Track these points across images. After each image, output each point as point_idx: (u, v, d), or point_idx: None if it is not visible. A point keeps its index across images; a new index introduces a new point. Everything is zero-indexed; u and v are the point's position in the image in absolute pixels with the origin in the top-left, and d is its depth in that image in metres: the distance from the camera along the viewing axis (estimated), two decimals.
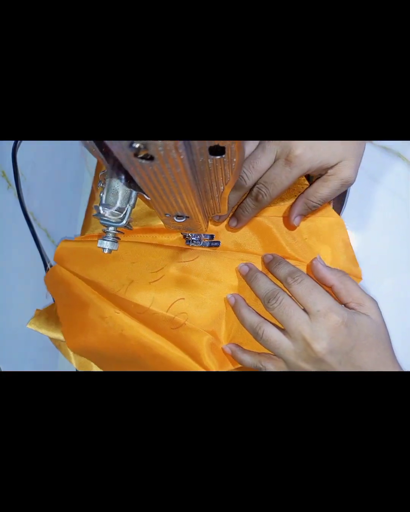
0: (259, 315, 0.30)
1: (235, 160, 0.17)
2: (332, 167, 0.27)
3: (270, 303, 0.29)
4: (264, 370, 0.29)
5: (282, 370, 0.29)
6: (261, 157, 0.27)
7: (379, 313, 0.29)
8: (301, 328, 0.27)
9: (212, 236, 0.34)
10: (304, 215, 0.31)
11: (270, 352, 0.30)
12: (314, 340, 0.26)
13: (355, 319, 0.27)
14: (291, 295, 0.29)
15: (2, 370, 0.43)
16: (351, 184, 0.28)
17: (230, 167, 0.18)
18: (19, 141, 0.44)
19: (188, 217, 0.23)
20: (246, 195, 0.31)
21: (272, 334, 0.28)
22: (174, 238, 0.35)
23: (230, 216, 0.33)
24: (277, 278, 0.30)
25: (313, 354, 0.27)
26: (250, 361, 0.30)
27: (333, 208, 0.34)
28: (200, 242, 0.34)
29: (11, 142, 0.44)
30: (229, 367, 0.32)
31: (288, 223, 0.32)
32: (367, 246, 0.37)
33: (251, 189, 0.29)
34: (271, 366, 0.29)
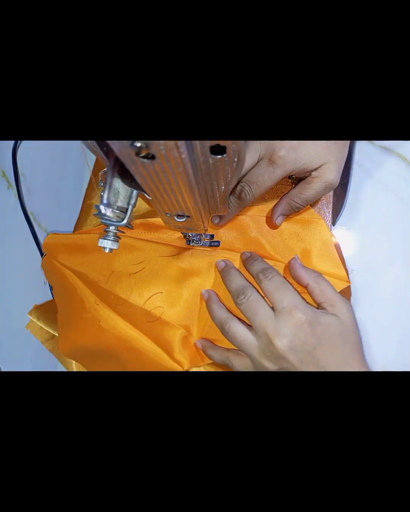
0: (229, 311, 0.31)
1: (236, 159, 0.17)
2: (315, 169, 0.27)
3: (239, 299, 0.29)
4: (231, 366, 0.30)
5: (247, 366, 0.29)
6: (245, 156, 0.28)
7: (350, 314, 0.28)
8: (265, 324, 0.27)
9: (212, 236, 0.34)
10: (287, 215, 0.32)
11: (237, 349, 0.30)
12: (276, 336, 0.26)
13: (321, 319, 0.27)
14: (261, 292, 0.29)
15: (2, 370, 0.43)
16: (334, 186, 0.29)
17: (231, 167, 0.18)
18: (19, 141, 0.44)
19: (189, 216, 0.23)
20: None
21: (238, 330, 0.29)
22: (168, 235, 0.35)
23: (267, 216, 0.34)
24: (251, 275, 0.31)
25: (274, 351, 0.26)
26: (218, 357, 0.30)
27: (333, 208, 0.34)
28: (200, 241, 0.34)
29: (11, 142, 0.44)
30: (199, 362, 0.32)
31: (271, 223, 0.33)
32: (367, 246, 0.37)
33: (235, 187, 0.30)
34: (237, 362, 0.29)
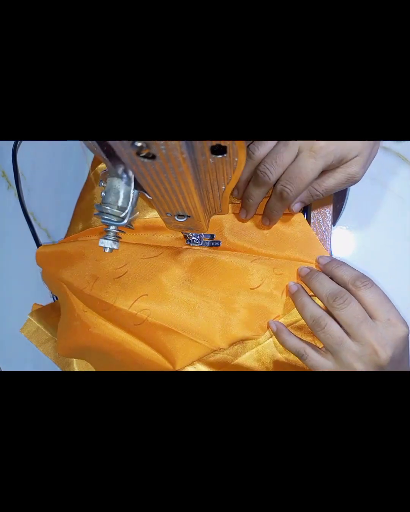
0: (322, 308, 0.30)
1: (236, 159, 0.17)
2: (349, 160, 0.27)
3: (336, 303, 0.28)
4: (304, 358, 0.29)
5: (322, 362, 0.29)
6: (284, 152, 0.27)
7: None
8: (370, 334, 0.27)
9: (212, 236, 0.34)
10: (305, 203, 0.31)
11: (314, 343, 0.30)
12: (382, 347, 0.27)
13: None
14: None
15: (2, 370, 0.43)
16: (357, 181, 0.28)
17: (231, 167, 0.18)
18: (19, 141, 0.44)
19: (189, 216, 0.23)
20: (270, 192, 0.31)
21: (336, 330, 0.28)
22: (149, 235, 0.36)
23: (256, 213, 0.33)
24: (339, 280, 0.30)
25: (376, 359, 0.27)
26: (293, 344, 0.30)
27: (333, 208, 0.34)
28: (200, 241, 0.34)
29: (11, 142, 0.44)
30: (194, 362, 0.32)
31: (261, 223, 0.33)
32: (367, 246, 0.37)
33: (274, 187, 0.29)
34: (314, 355, 0.29)
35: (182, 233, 0.34)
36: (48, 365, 0.41)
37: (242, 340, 0.32)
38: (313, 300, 0.31)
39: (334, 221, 0.36)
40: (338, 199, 0.35)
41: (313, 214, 0.34)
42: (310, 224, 0.34)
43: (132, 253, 0.34)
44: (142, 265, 0.34)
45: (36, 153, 0.44)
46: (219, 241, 0.34)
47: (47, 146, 0.43)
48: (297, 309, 0.31)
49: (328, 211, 0.34)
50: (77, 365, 0.39)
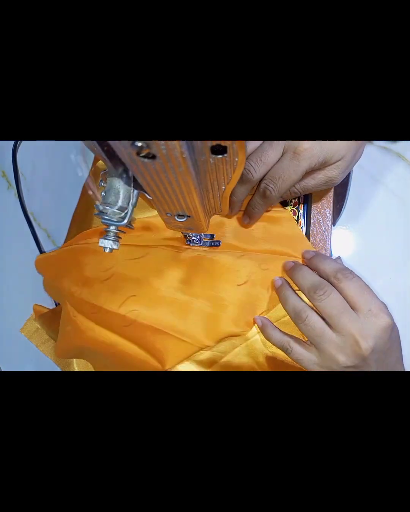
0: (304, 302, 0.30)
1: (236, 159, 0.17)
2: (332, 164, 0.27)
3: (317, 294, 0.28)
4: (288, 352, 0.29)
5: (306, 355, 0.29)
6: (269, 150, 0.27)
7: None
8: (351, 324, 0.27)
9: (212, 236, 0.34)
10: (283, 199, 0.32)
11: (299, 337, 0.30)
12: (363, 338, 0.27)
13: (394, 322, 0.28)
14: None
15: (2, 370, 0.43)
16: (335, 184, 0.29)
17: (232, 166, 0.18)
18: (19, 141, 0.44)
19: (189, 216, 0.23)
20: (254, 189, 0.31)
21: (317, 321, 0.28)
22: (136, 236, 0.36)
23: (240, 210, 0.34)
24: (322, 273, 0.30)
25: (358, 351, 0.27)
26: (277, 338, 0.30)
27: (333, 208, 0.34)
28: (200, 241, 0.34)
29: (11, 142, 0.44)
30: (184, 361, 0.32)
31: (242, 221, 0.34)
32: (367, 246, 0.37)
33: (258, 184, 0.29)
34: (298, 348, 0.29)
35: (182, 233, 0.34)
36: (49, 365, 0.41)
37: (230, 336, 0.32)
38: (296, 294, 0.31)
39: (334, 221, 0.36)
40: (338, 199, 0.35)
41: (313, 214, 0.34)
42: (310, 224, 0.34)
43: (118, 255, 0.35)
44: (129, 266, 0.34)
45: (36, 153, 0.44)
46: (218, 241, 0.34)
47: (47, 146, 0.43)
48: (280, 303, 0.31)
49: (328, 211, 0.34)
50: (77, 365, 0.39)
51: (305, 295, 0.30)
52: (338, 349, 0.28)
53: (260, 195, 0.29)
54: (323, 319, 0.29)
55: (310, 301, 0.29)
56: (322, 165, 0.27)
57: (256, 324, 0.32)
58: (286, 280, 0.32)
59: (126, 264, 0.34)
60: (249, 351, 0.32)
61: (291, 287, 0.31)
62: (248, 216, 0.33)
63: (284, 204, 0.35)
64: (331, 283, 0.29)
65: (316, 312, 0.29)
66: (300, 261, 0.33)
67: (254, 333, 0.32)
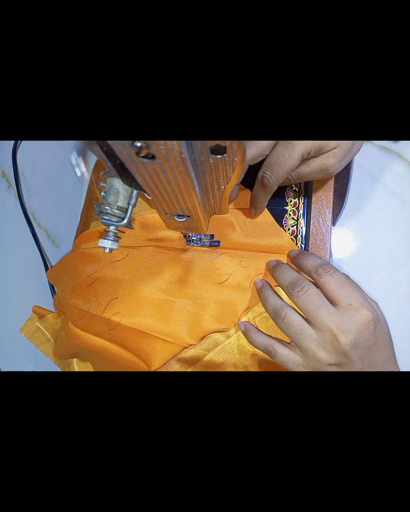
0: (283, 301, 0.30)
1: (236, 159, 0.17)
2: (328, 151, 0.27)
3: (295, 290, 0.28)
4: (273, 355, 0.29)
5: (291, 357, 0.28)
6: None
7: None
8: (329, 319, 0.27)
9: (212, 236, 0.34)
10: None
11: (283, 339, 0.30)
12: (342, 332, 0.26)
13: (380, 317, 0.28)
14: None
15: (2, 370, 0.43)
16: (332, 173, 0.28)
17: (231, 167, 0.18)
18: (19, 141, 0.44)
19: (189, 216, 0.23)
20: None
21: (295, 319, 0.28)
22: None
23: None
24: (305, 270, 0.30)
25: (338, 346, 0.26)
26: (262, 341, 0.30)
27: (333, 208, 0.34)
28: (200, 241, 0.34)
29: (11, 142, 0.44)
30: (169, 360, 0.32)
31: (249, 213, 0.34)
32: (366, 246, 0.37)
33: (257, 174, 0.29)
34: (282, 350, 0.29)
35: (182, 233, 0.34)
36: (49, 365, 0.41)
37: (214, 332, 0.32)
38: (276, 293, 0.31)
39: (334, 221, 0.36)
40: (338, 199, 0.35)
41: (313, 214, 0.34)
42: (310, 224, 0.34)
43: (101, 258, 0.35)
44: (111, 269, 0.34)
45: (36, 153, 0.44)
46: (218, 241, 0.34)
47: (47, 146, 0.44)
48: (261, 304, 0.31)
49: (328, 211, 0.34)
50: (77, 365, 0.39)
51: (285, 292, 0.30)
52: (318, 346, 0.27)
53: (259, 184, 0.29)
54: (304, 317, 0.28)
55: (290, 298, 0.29)
56: (318, 152, 0.27)
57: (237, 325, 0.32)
58: (266, 281, 0.32)
59: (108, 267, 0.34)
60: (231, 348, 0.32)
61: (271, 287, 0.31)
62: (253, 207, 0.33)
63: (284, 204, 0.35)
64: (313, 279, 0.29)
65: (295, 310, 0.29)
66: (284, 258, 0.33)
67: (236, 330, 0.32)
